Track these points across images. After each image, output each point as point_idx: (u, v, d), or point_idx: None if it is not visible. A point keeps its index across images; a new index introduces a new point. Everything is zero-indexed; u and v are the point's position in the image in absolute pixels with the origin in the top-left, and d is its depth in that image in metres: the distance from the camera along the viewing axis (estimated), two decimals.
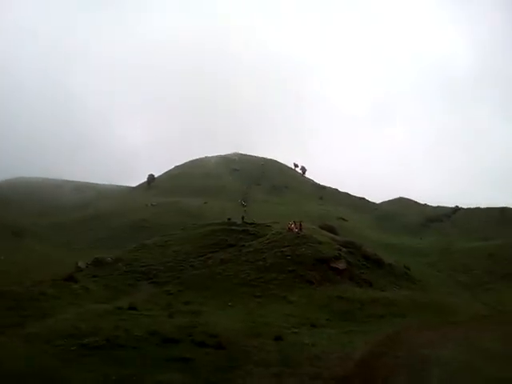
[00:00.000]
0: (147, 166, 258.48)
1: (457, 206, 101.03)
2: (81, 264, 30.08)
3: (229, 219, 46.96)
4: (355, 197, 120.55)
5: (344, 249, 35.36)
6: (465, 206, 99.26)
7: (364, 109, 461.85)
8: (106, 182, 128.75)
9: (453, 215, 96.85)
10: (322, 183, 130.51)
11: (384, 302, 24.80)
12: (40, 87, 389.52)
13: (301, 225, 41.22)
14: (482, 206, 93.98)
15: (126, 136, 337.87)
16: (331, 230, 54.47)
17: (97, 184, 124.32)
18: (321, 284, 28.83)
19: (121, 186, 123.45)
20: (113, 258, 31.39)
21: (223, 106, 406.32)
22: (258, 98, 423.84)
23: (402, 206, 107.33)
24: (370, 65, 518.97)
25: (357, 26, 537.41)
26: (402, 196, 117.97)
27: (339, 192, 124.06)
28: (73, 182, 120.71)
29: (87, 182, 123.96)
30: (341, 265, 31.86)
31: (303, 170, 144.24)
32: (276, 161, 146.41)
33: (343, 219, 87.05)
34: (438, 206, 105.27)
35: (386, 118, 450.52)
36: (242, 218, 57.56)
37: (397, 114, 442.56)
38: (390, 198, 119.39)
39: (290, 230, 39.21)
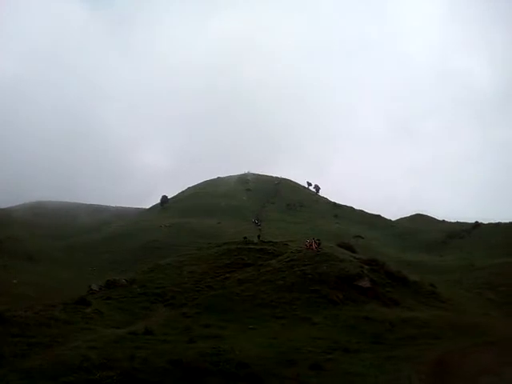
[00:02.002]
0: (163, 188, 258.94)
1: (477, 222, 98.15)
2: (94, 286, 29.02)
3: (245, 238, 45.78)
4: (371, 214, 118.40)
5: (366, 266, 33.82)
6: (485, 222, 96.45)
7: (379, 126, 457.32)
8: (122, 205, 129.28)
9: (473, 231, 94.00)
10: (336, 201, 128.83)
11: (415, 323, 23.07)
12: (59, 112, 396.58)
13: (319, 242, 39.89)
14: (504, 221, 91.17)
15: (143, 159, 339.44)
16: (349, 248, 52.71)
17: (111, 206, 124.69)
18: (345, 304, 27.29)
19: (135, 208, 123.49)
20: (127, 280, 30.31)
21: (237, 126, 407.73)
22: (271, 117, 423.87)
23: (420, 222, 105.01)
24: (389, 81, 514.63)
25: (375, 40, 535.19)
26: (418, 212, 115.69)
27: (354, 210, 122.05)
28: (88, 204, 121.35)
29: (102, 205, 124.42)
30: (364, 283, 30.29)
31: (317, 188, 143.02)
32: (289, 180, 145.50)
33: (360, 237, 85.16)
34: (458, 222, 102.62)
35: (401, 135, 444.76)
36: (258, 236, 56.33)
37: (412, 131, 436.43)
38: (407, 215, 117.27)
39: (309, 247, 37.88)
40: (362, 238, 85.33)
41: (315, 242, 39.17)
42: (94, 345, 13.76)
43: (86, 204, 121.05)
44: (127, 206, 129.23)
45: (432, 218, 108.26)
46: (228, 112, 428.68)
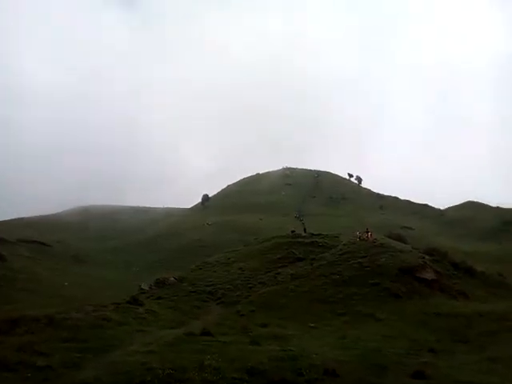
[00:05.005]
0: (205, 187, 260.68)
1: None
2: (144, 285, 28.40)
3: (293, 231, 44.11)
4: (417, 204, 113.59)
5: (428, 257, 31.40)
6: None
7: (422, 111, 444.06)
8: (167, 206, 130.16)
9: None
10: (380, 192, 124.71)
11: (493, 317, 20.69)
12: (106, 119, 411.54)
13: (371, 233, 37.69)
14: None
15: (185, 162, 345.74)
16: (399, 239, 49.95)
17: (154, 207, 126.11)
18: (409, 297, 25.16)
19: (178, 209, 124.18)
20: (176, 278, 29.50)
21: (274, 121, 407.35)
22: (309, 110, 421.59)
23: (472, 210, 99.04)
24: (433, 69, 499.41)
25: (422, 34, 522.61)
26: (469, 200, 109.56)
27: (400, 200, 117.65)
28: (132, 206, 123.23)
29: (146, 207, 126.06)
30: (428, 275, 27.94)
31: (359, 179, 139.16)
32: (330, 172, 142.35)
33: (409, 228, 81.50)
34: None
35: (448, 122, 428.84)
36: (304, 230, 54.58)
37: (459, 117, 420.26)
38: (457, 203, 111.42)
39: (364, 239, 35.79)
40: (412, 228, 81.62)
41: (369, 233, 37.07)
42: (152, 348, 12.42)
43: (130, 206, 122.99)
44: (171, 206, 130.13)
45: (485, 204, 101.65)
46: (263, 109, 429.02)
